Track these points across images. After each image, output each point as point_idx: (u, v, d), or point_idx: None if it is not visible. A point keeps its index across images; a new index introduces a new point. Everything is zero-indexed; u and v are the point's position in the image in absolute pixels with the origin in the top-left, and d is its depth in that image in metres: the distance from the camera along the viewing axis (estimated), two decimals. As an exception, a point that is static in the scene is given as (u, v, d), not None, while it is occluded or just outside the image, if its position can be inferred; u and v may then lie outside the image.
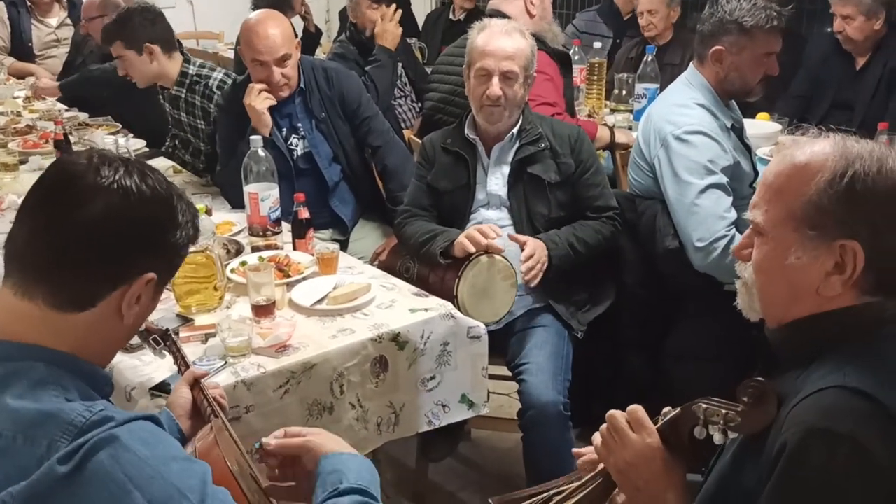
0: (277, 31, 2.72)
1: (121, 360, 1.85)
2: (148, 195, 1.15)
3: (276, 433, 1.34)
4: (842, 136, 1.19)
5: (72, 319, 1.12)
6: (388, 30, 3.64)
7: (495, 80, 2.35)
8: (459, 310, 2.17)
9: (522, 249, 2.35)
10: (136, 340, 1.87)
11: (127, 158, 1.20)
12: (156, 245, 1.17)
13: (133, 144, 3.53)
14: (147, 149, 3.58)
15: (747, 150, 2.55)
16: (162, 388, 1.76)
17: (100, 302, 1.13)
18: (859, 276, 1.14)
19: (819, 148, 1.17)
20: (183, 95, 3.15)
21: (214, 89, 3.10)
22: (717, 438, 1.18)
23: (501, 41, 2.38)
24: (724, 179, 2.35)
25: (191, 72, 3.14)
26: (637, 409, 1.29)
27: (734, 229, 2.33)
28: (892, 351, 1.14)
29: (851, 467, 1.03)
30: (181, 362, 1.64)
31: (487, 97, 2.36)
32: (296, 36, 2.96)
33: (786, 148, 1.24)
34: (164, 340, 1.70)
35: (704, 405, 1.20)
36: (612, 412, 1.31)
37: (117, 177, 1.13)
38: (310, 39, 4.87)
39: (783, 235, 1.18)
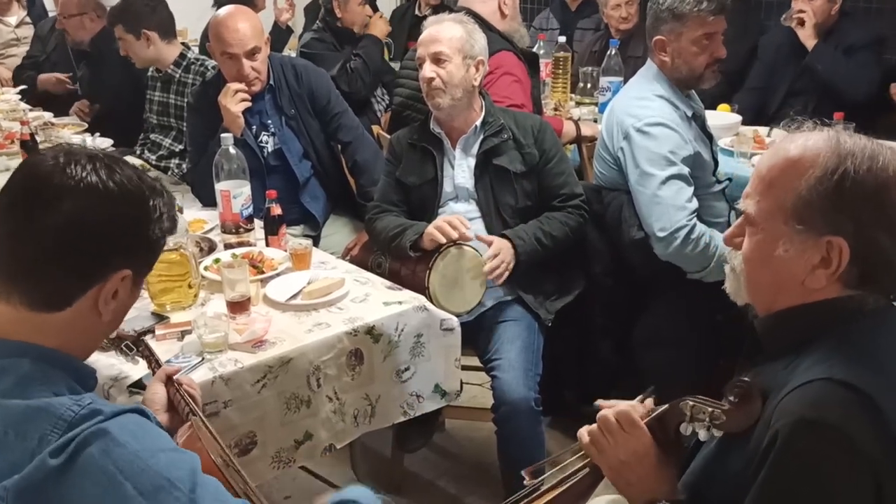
0: (247, 24, 2.74)
1: (97, 359, 1.85)
2: (116, 192, 1.14)
3: None
4: (836, 130, 1.20)
5: (50, 319, 1.13)
6: (378, 24, 4.00)
7: (426, 63, 2.43)
8: (431, 301, 2.20)
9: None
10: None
11: (95, 154, 1.18)
12: (128, 242, 1.17)
13: (100, 143, 3.52)
14: (114, 148, 3.57)
15: (709, 139, 2.62)
16: (139, 385, 1.77)
17: (76, 301, 1.14)
18: (844, 271, 1.16)
19: (812, 143, 1.19)
20: (177, 76, 3.33)
21: (210, 68, 3.21)
22: (703, 435, 1.21)
23: (431, 30, 2.48)
24: (685, 170, 2.41)
25: (190, 55, 3.36)
26: (628, 410, 1.32)
27: (695, 219, 2.39)
28: (874, 342, 1.17)
29: (840, 457, 1.07)
30: (155, 366, 1.65)
31: (423, 82, 2.44)
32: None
33: (780, 140, 1.26)
34: (136, 346, 1.72)
35: (691, 402, 1.23)
36: (602, 413, 1.33)
37: (84, 175, 1.12)
38: (279, 36, 4.86)
39: (773, 227, 1.20)
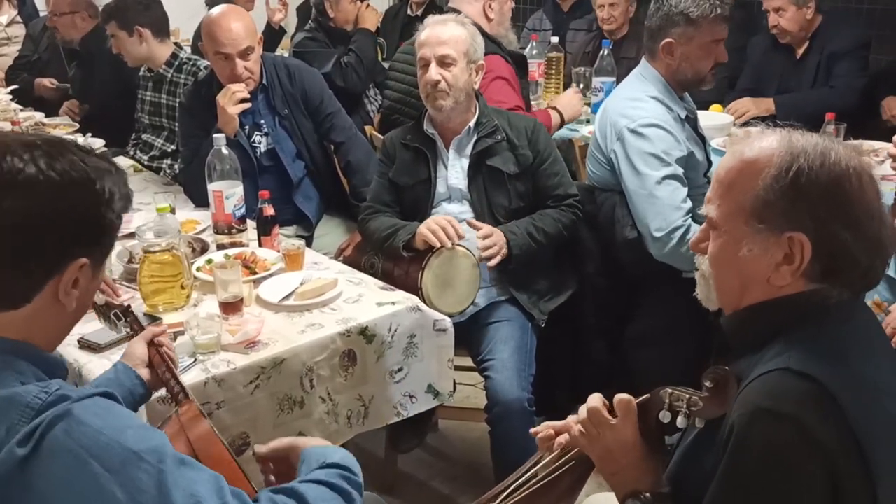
0: (240, 23, 2.73)
1: (89, 360, 1.85)
2: (59, 182, 1.09)
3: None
4: (788, 130, 1.23)
5: (12, 316, 1.11)
6: (367, 15, 3.98)
7: (432, 65, 2.41)
8: (424, 302, 2.20)
9: None
10: (105, 340, 1.88)
11: (32, 141, 1.11)
12: (79, 230, 1.12)
13: (92, 143, 3.50)
14: (106, 148, 3.56)
15: (701, 140, 2.62)
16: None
17: (34, 297, 1.11)
18: (807, 266, 1.18)
19: (766, 144, 1.22)
20: (169, 75, 3.32)
21: (202, 68, 3.20)
22: (680, 422, 1.23)
23: (436, 29, 2.45)
24: (679, 170, 2.42)
25: (182, 55, 3.35)
26: (619, 398, 1.33)
27: (690, 219, 2.39)
28: (836, 334, 1.18)
29: (795, 446, 1.08)
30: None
31: (427, 84, 2.41)
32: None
33: (736, 143, 1.28)
34: (125, 316, 1.71)
35: (670, 390, 1.25)
36: (592, 403, 1.34)
37: (21, 166, 1.07)
38: (272, 36, 4.85)
39: (735, 229, 1.22)
